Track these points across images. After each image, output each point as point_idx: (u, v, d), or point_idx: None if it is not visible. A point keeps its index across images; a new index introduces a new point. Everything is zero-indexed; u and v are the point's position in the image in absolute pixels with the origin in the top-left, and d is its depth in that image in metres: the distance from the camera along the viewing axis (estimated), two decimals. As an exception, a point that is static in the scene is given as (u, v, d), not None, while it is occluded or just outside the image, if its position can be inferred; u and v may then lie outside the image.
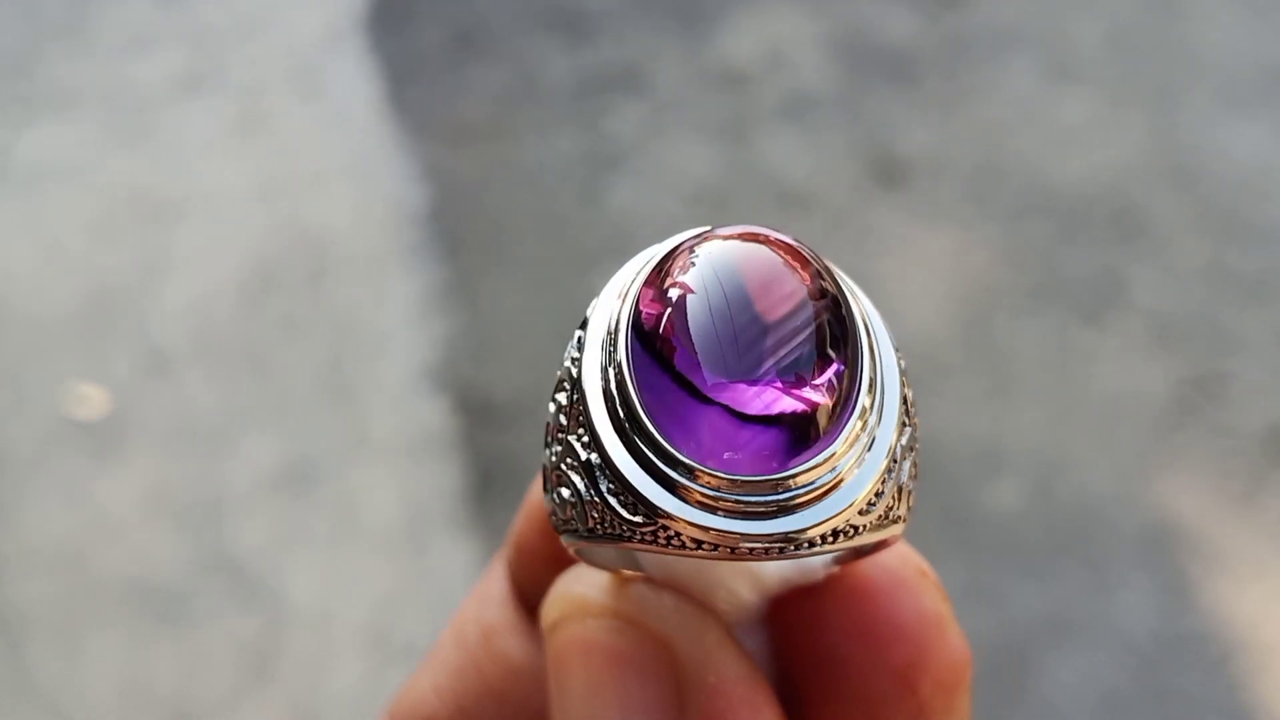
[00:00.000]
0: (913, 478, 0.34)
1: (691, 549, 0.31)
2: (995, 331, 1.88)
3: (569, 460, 0.33)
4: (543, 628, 0.38)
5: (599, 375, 0.32)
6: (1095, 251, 1.96)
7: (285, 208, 2.17)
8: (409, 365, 1.94)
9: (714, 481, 0.30)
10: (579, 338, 0.33)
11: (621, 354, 0.31)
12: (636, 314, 0.31)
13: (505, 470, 1.82)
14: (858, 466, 0.32)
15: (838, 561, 0.37)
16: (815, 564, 0.37)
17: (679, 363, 0.30)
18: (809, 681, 0.39)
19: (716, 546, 0.31)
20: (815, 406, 0.30)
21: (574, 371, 0.33)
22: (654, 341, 0.31)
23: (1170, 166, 2.06)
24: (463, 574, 1.73)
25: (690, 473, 0.30)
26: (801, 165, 2.11)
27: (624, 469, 0.31)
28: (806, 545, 0.31)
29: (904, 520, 0.34)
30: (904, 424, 0.33)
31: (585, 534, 0.33)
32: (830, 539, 0.31)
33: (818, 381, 0.30)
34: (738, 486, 0.30)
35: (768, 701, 0.36)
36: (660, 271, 0.32)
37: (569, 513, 0.33)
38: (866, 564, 0.37)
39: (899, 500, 0.33)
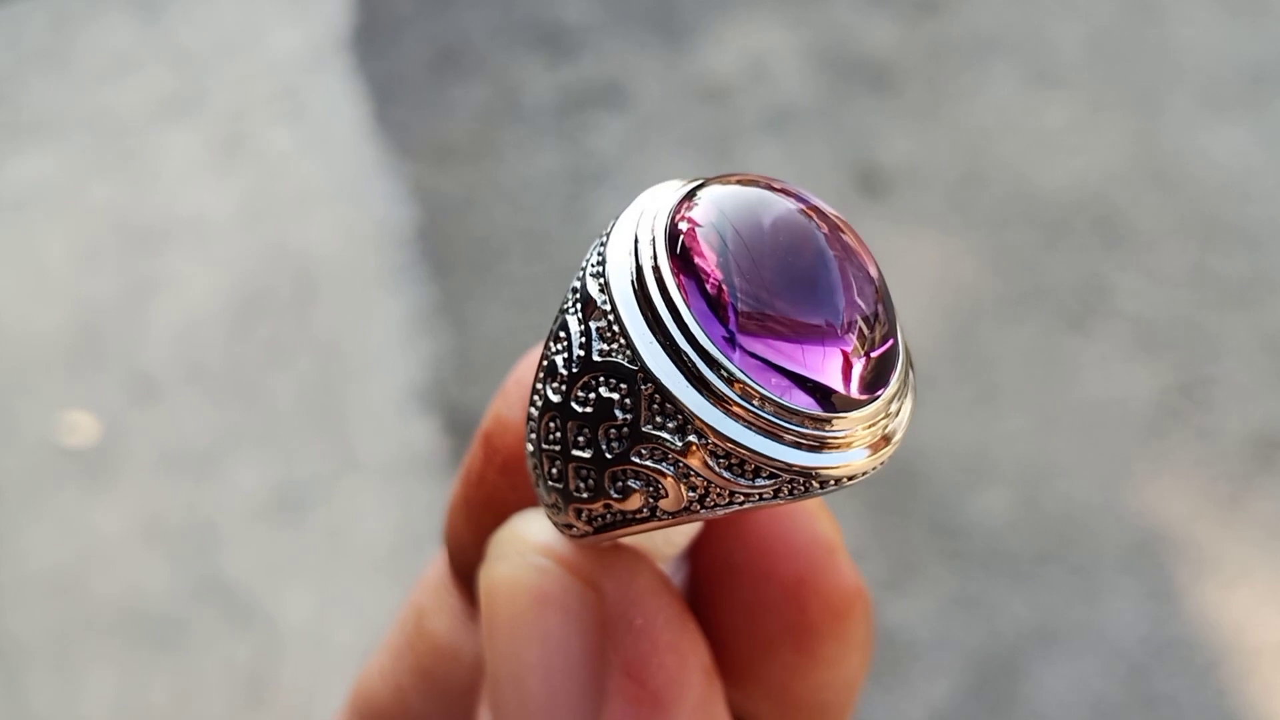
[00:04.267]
0: None
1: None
2: (979, 340, 1.88)
3: (658, 452, 0.32)
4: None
5: (663, 355, 0.31)
6: (1078, 258, 1.97)
7: (270, 231, 2.17)
8: (397, 387, 1.95)
9: (761, 401, 0.30)
10: (596, 328, 0.32)
11: (676, 295, 0.31)
12: (676, 233, 0.31)
13: (494, 490, 1.82)
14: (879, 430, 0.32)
15: None
16: None
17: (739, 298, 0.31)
18: (711, 590, 0.40)
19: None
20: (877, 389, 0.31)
21: (624, 361, 0.32)
22: (707, 280, 0.31)
23: (1152, 171, 2.06)
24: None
25: (741, 389, 0.30)
26: (784, 176, 2.09)
27: (731, 434, 0.31)
28: (830, 484, 0.31)
29: None
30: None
31: (667, 515, 0.33)
32: (834, 484, 0.32)
33: (875, 354, 0.31)
34: (780, 411, 0.30)
35: (695, 648, 0.37)
36: (687, 203, 0.32)
37: (643, 501, 0.33)
38: None
39: None
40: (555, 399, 0.33)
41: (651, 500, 0.32)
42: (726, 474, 0.31)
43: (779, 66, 2.29)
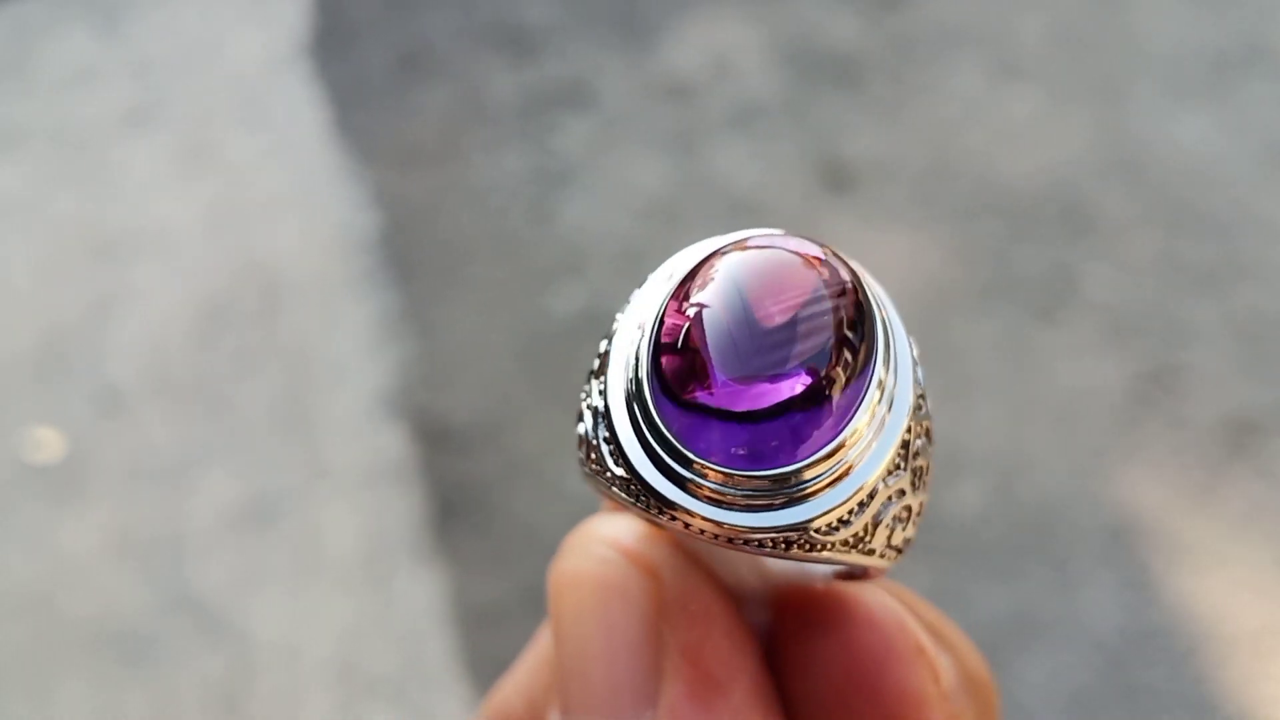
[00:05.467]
0: (908, 517, 0.34)
1: (695, 535, 0.32)
2: (950, 333, 1.88)
3: (585, 398, 0.34)
4: None
5: (622, 370, 0.33)
6: (1046, 248, 1.97)
7: (235, 239, 2.15)
8: (365, 394, 1.93)
9: (720, 477, 0.31)
10: (616, 318, 0.35)
11: (643, 367, 0.32)
12: (659, 327, 0.32)
13: (466, 496, 1.81)
14: (866, 453, 0.32)
15: (837, 575, 0.38)
16: (815, 567, 0.37)
17: (691, 374, 0.31)
18: (802, 708, 0.39)
19: (717, 536, 0.32)
20: (810, 385, 0.31)
21: (605, 346, 0.34)
22: (672, 354, 0.32)
23: (1118, 160, 2.06)
24: (427, 602, 1.73)
25: (701, 472, 0.31)
26: (751, 174, 2.11)
27: (631, 456, 0.32)
28: (812, 534, 0.31)
29: (898, 552, 0.35)
30: (910, 434, 0.33)
31: (586, 472, 0.34)
32: (835, 528, 0.32)
33: (831, 369, 0.31)
34: (744, 481, 0.31)
35: (746, 639, 0.37)
36: (682, 286, 0.33)
37: (579, 446, 0.34)
38: (864, 629, 0.38)
39: (903, 523, 0.34)
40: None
41: (588, 452, 0.34)
42: (604, 447, 0.33)
43: (743, 63, 2.28)
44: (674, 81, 2.27)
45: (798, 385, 0.30)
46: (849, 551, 0.33)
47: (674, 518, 0.32)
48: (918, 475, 0.34)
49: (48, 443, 1.94)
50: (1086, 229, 1.99)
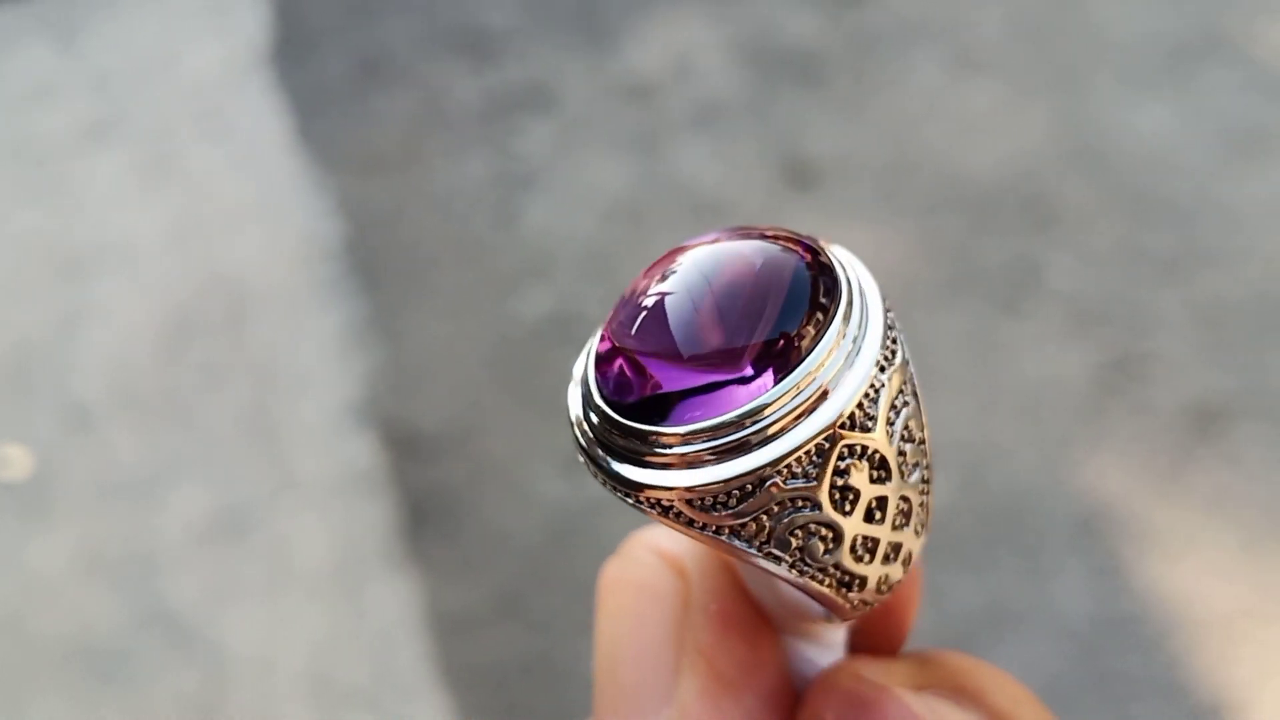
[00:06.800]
0: (834, 539, 0.32)
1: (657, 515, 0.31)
2: (914, 326, 1.88)
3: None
4: None
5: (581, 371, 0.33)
6: (1009, 240, 1.98)
7: (199, 251, 2.14)
8: (332, 403, 1.93)
9: (677, 439, 0.30)
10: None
11: (591, 376, 0.32)
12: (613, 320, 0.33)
13: (436, 504, 1.81)
14: (834, 382, 0.30)
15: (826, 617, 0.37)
16: (815, 606, 0.36)
17: (635, 368, 0.31)
18: None
19: (670, 508, 0.30)
20: (767, 343, 0.30)
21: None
22: (616, 351, 0.31)
23: (1079, 150, 2.07)
24: (399, 611, 1.72)
25: (660, 441, 0.30)
26: (713, 173, 2.11)
27: (587, 448, 0.32)
28: (686, 509, 0.30)
29: (840, 583, 0.33)
30: (833, 443, 0.31)
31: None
32: (717, 504, 0.30)
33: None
34: (699, 435, 0.29)
35: (771, 649, 0.37)
36: (643, 276, 0.33)
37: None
38: None
39: (825, 541, 0.32)
40: None
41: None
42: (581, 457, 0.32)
43: (704, 63, 2.29)
44: (635, 82, 2.28)
45: (756, 352, 0.30)
46: (731, 538, 0.31)
47: (636, 498, 0.31)
48: (849, 497, 0.31)
49: (15, 460, 1.93)
50: (1049, 220, 1.99)
